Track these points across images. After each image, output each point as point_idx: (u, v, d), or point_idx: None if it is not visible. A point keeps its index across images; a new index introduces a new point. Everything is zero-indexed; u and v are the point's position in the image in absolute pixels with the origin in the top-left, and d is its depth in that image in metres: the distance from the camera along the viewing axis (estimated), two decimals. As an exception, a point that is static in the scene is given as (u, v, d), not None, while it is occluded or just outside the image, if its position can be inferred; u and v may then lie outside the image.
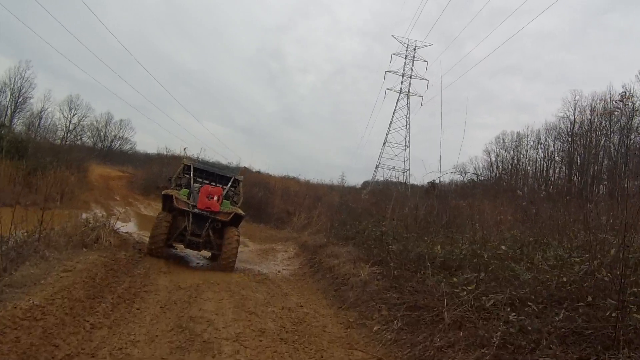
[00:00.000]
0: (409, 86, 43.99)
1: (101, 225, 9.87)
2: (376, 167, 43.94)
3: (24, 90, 43.14)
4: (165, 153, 34.35)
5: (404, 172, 42.81)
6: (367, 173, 73.29)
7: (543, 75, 63.01)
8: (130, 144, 55.69)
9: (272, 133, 75.05)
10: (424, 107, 52.78)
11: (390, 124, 44.45)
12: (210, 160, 17.68)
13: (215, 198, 7.96)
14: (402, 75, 44.33)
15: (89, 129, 53.09)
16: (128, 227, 14.83)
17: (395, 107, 44.49)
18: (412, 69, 44.54)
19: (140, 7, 75.75)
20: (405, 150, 43.97)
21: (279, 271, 10.22)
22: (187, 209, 7.94)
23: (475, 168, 39.39)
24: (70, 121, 50.28)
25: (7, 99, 41.77)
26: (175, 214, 8.12)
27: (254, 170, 36.97)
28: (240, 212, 8.65)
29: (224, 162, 33.77)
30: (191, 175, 8.89)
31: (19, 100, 42.57)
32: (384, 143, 44.47)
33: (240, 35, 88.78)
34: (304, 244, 13.99)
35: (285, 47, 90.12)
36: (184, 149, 30.08)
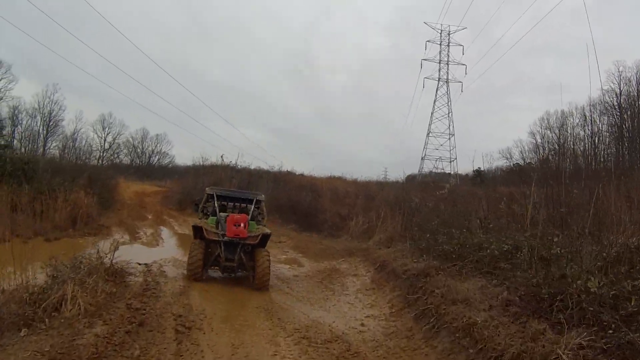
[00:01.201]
0: (447, 73, 43.28)
1: (92, 266, 6.55)
2: (422, 158, 43.06)
3: (54, 113, 42.09)
4: (201, 162, 31.84)
5: (450, 162, 42.43)
6: (409, 167, 71.77)
7: (577, 53, 56.03)
8: (169, 157, 53.99)
9: (309, 135, 72.06)
10: (460, 97, 52.51)
11: (432, 113, 43.38)
12: (250, 166, 19.12)
13: (242, 225, 8.25)
14: (439, 62, 43.53)
15: (125, 146, 51.93)
16: (153, 253, 11.65)
17: (436, 95, 43.56)
18: (448, 55, 43.56)
19: (167, 28, 74.46)
20: (449, 139, 43.03)
21: (362, 324, 6.49)
22: (217, 238, 8.36)
23: (521, 152, 38.66)
24: (104, 140, 48.94)
25: (39, 124, 40.50)
26: (208, 241, 8.52)
27: (296, 173, 33.76)
28: (267, 231, 9.14)
29: (264, 167, 31.63)
30: (215, 204, 9.16)
31: (50, 123, 41.36)
32: (428, 133, 43.57)
33: (268, 41, 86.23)
34: (381, 262, 10.26)
35: (313, 48, 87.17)
36: (222, 156, 27.37)
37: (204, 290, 7.99)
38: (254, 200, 9.65)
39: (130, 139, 52.34)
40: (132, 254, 11.41)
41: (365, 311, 7.31)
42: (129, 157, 52.38)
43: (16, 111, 38.89)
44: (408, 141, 69.43)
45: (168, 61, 66.43)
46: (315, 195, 27.77)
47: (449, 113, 43.26)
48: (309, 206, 25.10)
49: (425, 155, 43.21)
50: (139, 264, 9.84)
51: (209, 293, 7.84)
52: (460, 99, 59.15)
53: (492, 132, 65.57)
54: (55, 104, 42.35)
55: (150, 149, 54.83)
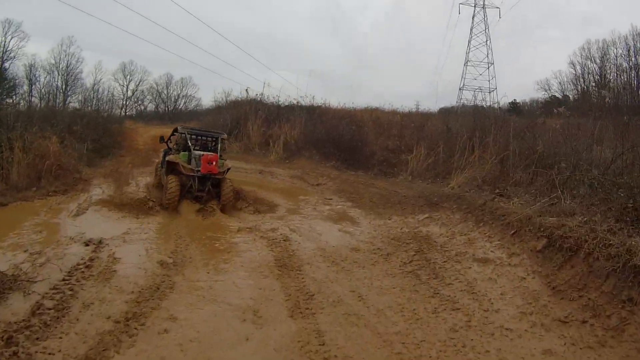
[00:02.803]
0: None
1: None
2: (460, 89, 40.71)
3: (71, 66, 38.16)
4: (224, 99, 27.21)
5: (489, 92, 40.26)
6: (444, 99, 68.68)
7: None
8: (195, 100, 50.06)
9: (343, 76, 66.42)
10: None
11: (469, 41, 40.77)
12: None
13: (214, 163, 9.23)
14: None
15: (149, 92, 48.05)
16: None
17: (472, 21, 40.76)
18: None
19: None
20: (488, 68, 40.33)
21: None
22: (193, 174, 9.22)
23: (560, 83, 36.64)
24: (127, 88, 45.19)
25: (57, 79, 36.91)
26: (181, 176, 9.23)
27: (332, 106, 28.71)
28: (229, 165, 10.21)
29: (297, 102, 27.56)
30: (189, 142, 9.89)
31: (69, 77, 37.73)
32: (465, 62, 40.76)
33: None
34: (543, 235, 5.38)
35: None
36: (246, 89, 24.12)
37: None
38: (219, 139, 10.67)
39: (154, 85, 48.64)
40: (98, 221, 7.44)
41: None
42: (154, 103, 48.87)
43: (32, 69, 35.36)
44: (442, 73, 64.27)
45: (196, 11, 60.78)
46: (356, 127, 22.73)
47: (486, 40, 40.31)
48: (351, 139, 20.18)
49: (463, 85, 40.50)
50: (87, 244, 5.77)
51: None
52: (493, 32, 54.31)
53: (526, 67, 60.26)
54: (72, 56, 38.16)
55: (175, 93, 51.15)
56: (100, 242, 5.99)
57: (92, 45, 61.60)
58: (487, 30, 40.49)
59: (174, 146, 10.58)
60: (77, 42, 38.79)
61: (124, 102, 45.99)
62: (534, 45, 61.82)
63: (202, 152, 9.74)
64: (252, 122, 20.17)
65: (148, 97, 47.04)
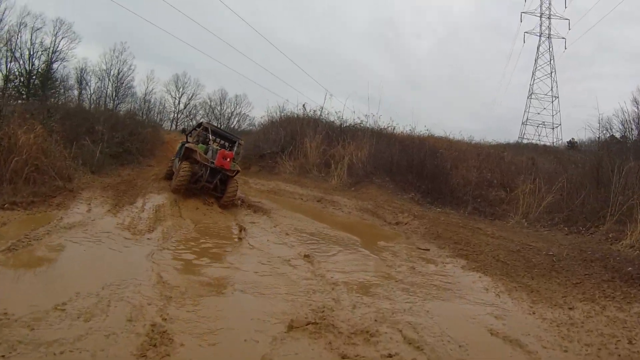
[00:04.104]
0: (549, 27, 39.10)
1: None
2: (523, 123, 38.81)
3: (122, 73, 37.25)
4: (277, 114, 24.25)
5: (553, 128, 38.03)
6: (498, 134, 65.57)
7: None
8: (249, 119, 48.20)
9: (397, 102, 63.00)
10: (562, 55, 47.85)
11: (533, 72, 39.10)
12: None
13: (228, 160, 9.44)
14: (540, 16, 39.32)
15: (202, 107, 46.81)
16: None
17: (537, 52, 39.43)
18: (549, 7, 39.01)
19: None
20: (552, 102, 38.49)
21: None
22: (207, 164, 9.33)
23: (622, 122, 29.71)
24: (179, 101, 43.90)
25: (107, 84, 35.90)
26: (194, 164, 9.37)
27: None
28: (239, 168, 10.03)
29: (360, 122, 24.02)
30: (210, 135, 10.48)
31: (120, 84, 36.71)
32: (529, 95, 39.05)
33: (352, 7, 77.48)
34: None
35: (397, 14, 78.16)
36: (303, 105, 20.38)
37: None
38: (237, 143, 11.03)
39: (208, 100, 47.54)
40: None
41: None
42: (206, 118, 47.29)
43: (83, 73, 34.54)
44: (497, 107, 60.14)
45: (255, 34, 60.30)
46: (439, 155, 18.39)
47: (551, 72, 38.47)
48: (435, 168, 15.93)
49: (527, 119, 38.53)
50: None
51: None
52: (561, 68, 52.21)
53: (579, 101, 55.88)
54: (124, 63, 37.29)
55: (229, 110, 49.62)
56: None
57: (144, 54, 61.33)
58: (551, 61, 38.70)
59: (193, 139, 10.87)
60: (129, 49, 38.04)
61: (176, 115, 44.70)
62: (589, 80, 57.84)
63: (219, 147, 10.34)
64: (310, 139, 16.54)
65: (201, 111, 45.32)
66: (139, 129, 15.06)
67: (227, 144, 11.13)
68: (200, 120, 11.76)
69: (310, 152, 16.02)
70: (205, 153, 9.67)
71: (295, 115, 19.65)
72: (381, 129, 19.07)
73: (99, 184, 8.49)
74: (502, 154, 18.53)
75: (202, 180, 9.27)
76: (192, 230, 6.54)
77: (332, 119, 19.09)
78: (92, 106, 22.55)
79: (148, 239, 5.69)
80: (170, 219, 6.84)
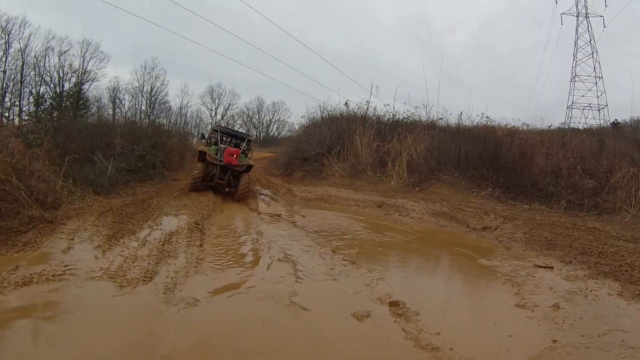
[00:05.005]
0: (585, 6, 36.95)
1: None
2: (568, 107, 36.96)
3: (155, 89, 36.35)
4: (318, 114, 22.07)
5: (599, 110, 36.21)
6: (541, 122, 58.42)
7: None
8: (289, 125, 46.88)
9: (436, 100, 59.86)
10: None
11: (574, 55, 37.03)
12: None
13: (235, 156, 9.99)
14: None
15: (240, 116, 45.68)
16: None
17: (576, 33, 37.46)
18: None
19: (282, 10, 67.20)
20: (597, 83, 36.40)
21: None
22: (216, 162, 10.01)
23: None
24: (215, 112, 42.92)
25: (141, 102, 35.27)
26: (208, 164, 10.17)
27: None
28: (251, 163, 10.63)
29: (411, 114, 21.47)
30: (218, 136, 11.10)
31: (153, 99, 35.93)
32: (572, 78, 37.05)
33: (383, 7, 74.96)
34: None
35: (428, 12, 75.85)
36: (345, 103, 18.19)
37: None
38: (246, 140, 11.67)
39: (245, 109, 46.68)
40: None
41: None
42: (245, 128, 46.19)
43: (116, 91, 34.06)
44: (537, 95, 55.62)
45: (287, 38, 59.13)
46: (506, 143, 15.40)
47: (592, 53, 36.44)
48: (513, 160, 13.05)
49: (572, 103, 36.53)
50: None
51: None
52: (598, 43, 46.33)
53: (616, 81, 53.32)
54: (156, 79, 36.41)
55: (267, 118, 48.76)
56: None
57: (175, 69, 61.23)
58: (592, 41, 36.68)
59: (208, 142, 11.49)
60: (160, 64, 37.40)
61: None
62: (628, 59, 52.21)
63: (226, 146, 10.86)
64: (359, 136, 14.13)
65: (238, 121, 44.09)
66: (163, 139, 13.26)
67: (239, 142, 11.58)
68: (214, 125, 12.25)
69: (362, 150, 13.62)
70: (216, 153, 10.31)
71: (339, 114, 17.31)
72: (434, 120, 16.35)
73: (99, 207, 6.46)
74: (562, 138, 15.45)
75: (215, 177, 9.98)
76: (214, 273, 4.34)
77: (380, 113, 16.56)
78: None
79: (151, 291, 3.53)
80: (183, 255, 4.65)
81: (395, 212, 9.32)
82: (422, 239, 7.20)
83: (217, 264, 4.59)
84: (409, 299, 3.99)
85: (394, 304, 3.89)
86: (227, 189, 9.94)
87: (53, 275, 3.83)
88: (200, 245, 5.17)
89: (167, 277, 3.98)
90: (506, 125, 17.88)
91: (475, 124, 16.14)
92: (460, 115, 16.16)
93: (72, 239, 4.83)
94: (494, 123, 16.85)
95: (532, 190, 11.58)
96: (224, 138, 11.50)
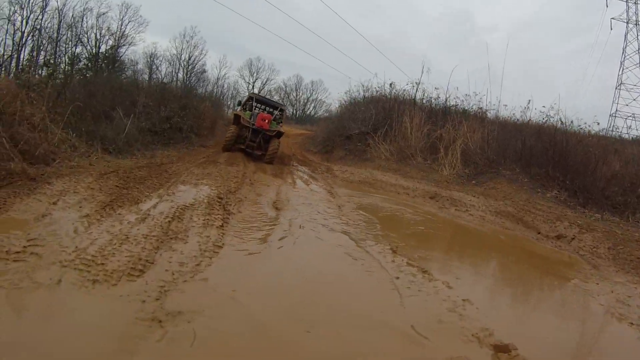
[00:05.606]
0: (636, 13, 35.22)
1: None
2: (611, 115, 35.23)
3: (193, 57, 35.28)
4: (360, 93, 20.34)
5: None
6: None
7: None
8: (326, 105, 45.62)
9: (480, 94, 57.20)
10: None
11: (621, 62, 35.62)
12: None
13: (266, 121, 10.64)
14: (627, 1, 35.04)
15: (277, 92, 44.40)
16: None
17: (625, 41, 35.79)
18: None
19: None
20: None
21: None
22: (248, 125, 10.59)
23: None
24: (252, 85, 41.86)
25: (178, 69, 34.36)
26: (241, 127, 10.73)
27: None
28: (282, 130, 11.10)
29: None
30: (254, 103, 11.78)
31: (191, 68, 34.95)
32: (617, 86, 35.99)
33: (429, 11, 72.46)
34: None
35: (471, 6, 73.23)
36: (390, 84, 16.40)
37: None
38: (279, 108, 12.23)
39: (283, 85, 45.50)
40: None
41: None
42: (282, 101, 45.35)
43: (153, 57, 33.12)
44: (576, 99, 52.15)
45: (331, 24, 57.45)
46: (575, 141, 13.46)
47: None
48: (582, 159, 11.21)
49: (615, 111, 35.11)
50: None
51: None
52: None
53: None
54: (194, 48, 35.29)
55: (304, 96, 47.68)
56: None
57: (214, 42, 60.34)
58: None
59: (242, 107, 11.77)
60: (199, 33, 36.27)
61: (250, 99, 43.61)
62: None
63: (260, 112, 11.64)
64: (409, 118, 12.54)
65: (276, 96, 42.97)
66: (194, 102, 12.11)
67: (272, 110, 12.17)
68: (250, 93, 12.72)
69: (412, 133, 12.07)
70: (250, 118, 10.91)
71: (384, 95, 15.64)
72: (486, 110, 14.46)
73: (103, 167, 5.29)
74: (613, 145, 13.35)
75: (247, 139, 10.56)
76: (240, 267, 3.06)
77: (432, 95, 14.79)
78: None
79: (132, 294, 2.29)
80: (196, 239, 3.38)
81: (451, 206, 7.87)
82: (489, 242, 5.81)
83: (241, 253, 3.31)
84: (519, 341, 2.60)
85: (500, 349, 2.52)
86: (257, 152, 10.51)
87: (7, 252, 2.64)
88: (221, 226, 3.90)
89: (166, 270, 2.73)
90: (571, 122, 15.92)
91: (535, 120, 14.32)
92: (528, 103, 14.30)
93: (55, 203, 3.64)
94: (553, 120, 14.97)
95: (601, 198, 9.86)
96: (259, 105, 12.08)
